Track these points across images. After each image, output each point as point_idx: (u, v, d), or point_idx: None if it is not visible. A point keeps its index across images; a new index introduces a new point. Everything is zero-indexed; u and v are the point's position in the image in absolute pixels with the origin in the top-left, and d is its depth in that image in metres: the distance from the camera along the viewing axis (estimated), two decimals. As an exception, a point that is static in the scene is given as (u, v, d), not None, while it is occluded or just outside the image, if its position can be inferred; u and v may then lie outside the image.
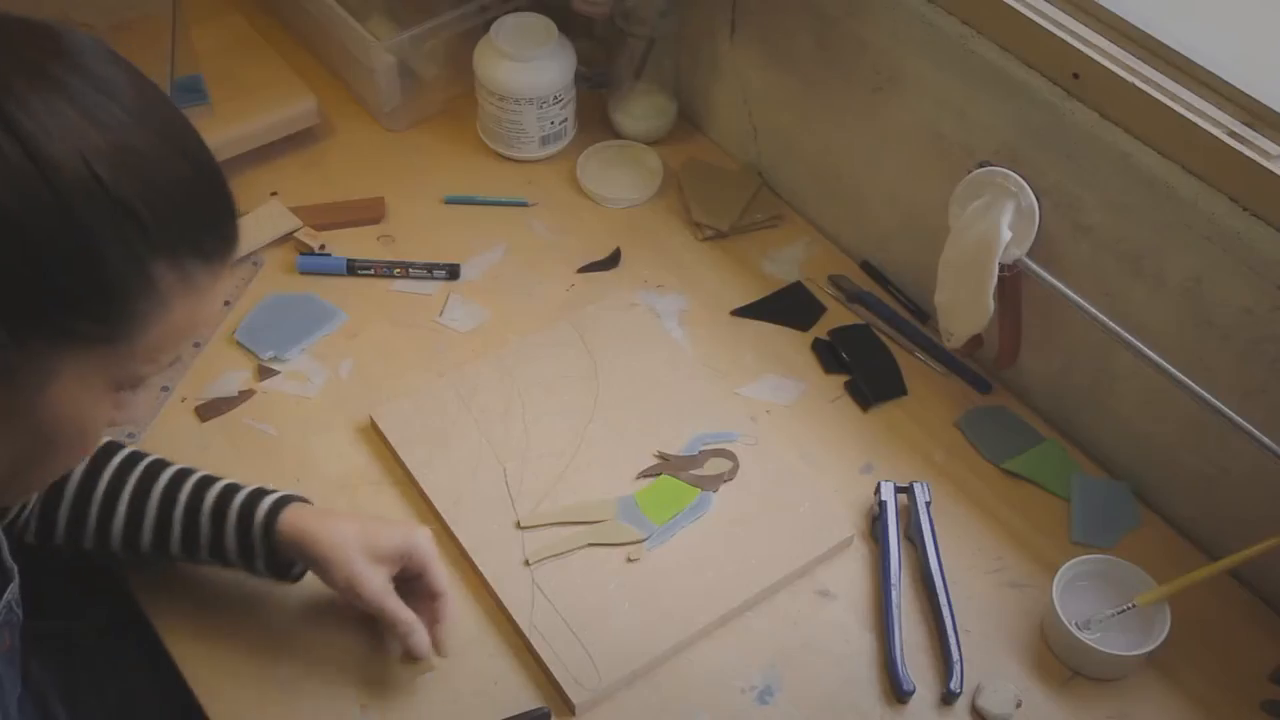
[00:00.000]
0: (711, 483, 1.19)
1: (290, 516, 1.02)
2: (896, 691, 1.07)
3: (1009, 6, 1.11)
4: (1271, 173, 0.98)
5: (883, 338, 1.34)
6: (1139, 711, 1.08)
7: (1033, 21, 1.10)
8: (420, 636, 1.03)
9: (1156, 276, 1.11)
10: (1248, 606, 1.15)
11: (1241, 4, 1.13)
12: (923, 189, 1.29)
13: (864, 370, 1.31)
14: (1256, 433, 1.06)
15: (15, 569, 0.86)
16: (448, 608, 1.05)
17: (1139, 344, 1.12)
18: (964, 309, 1.22)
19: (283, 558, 1.04)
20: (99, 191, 0.63)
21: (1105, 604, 1.10)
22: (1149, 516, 1.21)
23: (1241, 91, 1.02)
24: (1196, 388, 1.09)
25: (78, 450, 0.75)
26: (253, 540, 1.02)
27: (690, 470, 1.20)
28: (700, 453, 1.22)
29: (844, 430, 1.26)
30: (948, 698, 1.07)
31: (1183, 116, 1.02)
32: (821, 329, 1.35)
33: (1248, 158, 0.99)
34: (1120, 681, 1.09)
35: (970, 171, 1.19)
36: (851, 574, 1.16)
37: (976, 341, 1.27)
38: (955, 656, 1.08)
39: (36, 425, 0.70)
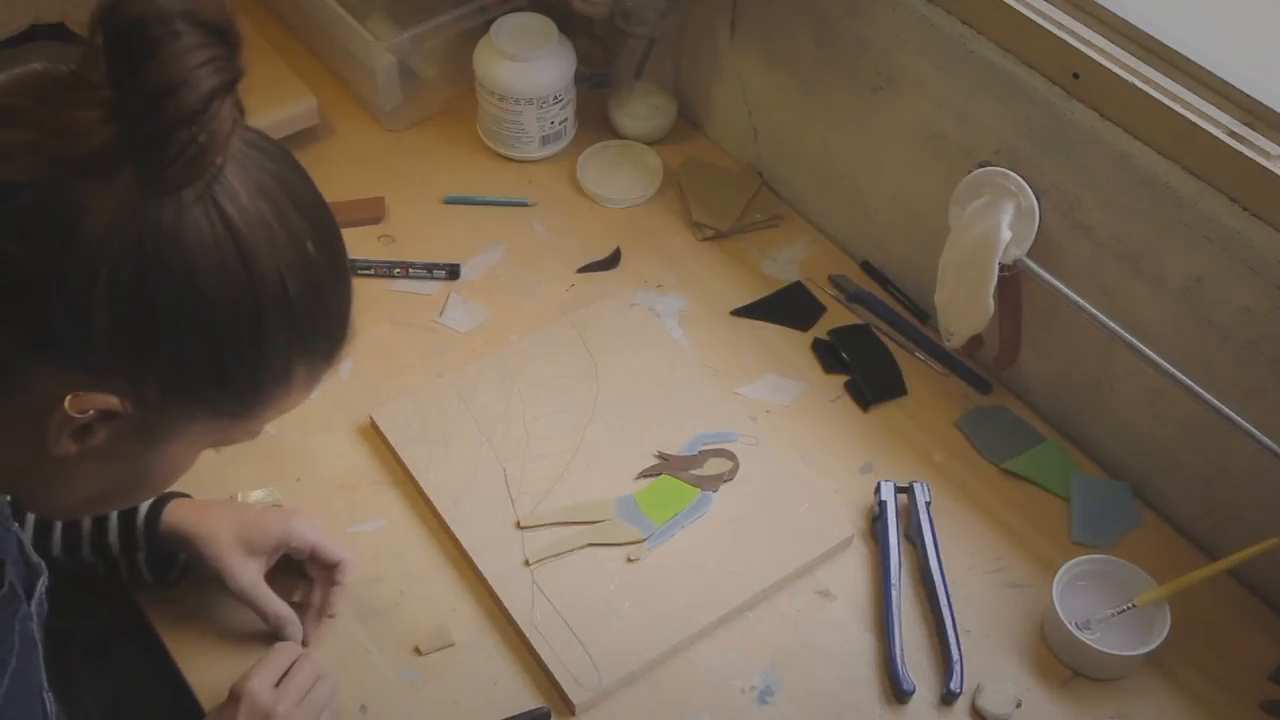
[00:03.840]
0: (711, 483, 1.19)
1: (171, 510, 1.05)
2: (896, 691, 1.07)
3: (1009, 6, 1.11)
4: (1271, 173, 0.98)
5: (883, 338, 1.34)
6: (1139, 711, 1.08)
7: (1033, 21, 1.10)
8: (291, 629, 1.06)
9: (1156, 276, 1.11)
10: (1248, 606, 1.15)
11: (1241, 4, 1.13)
12: (923, 189, 1.29)
13: (864, 370, 1.31)
14: (1256, 433, 1.06)
15: (43, 564, 0.88)
16: (343, 574, 1.08)
17: (1139, 344, 1.12)
18: (964, 309, 1.22)
19: (162, 550, 1.06)
20: (285, 305, 0.69)
21: (1105, 604, 1.10)
22: (1149, 516, 1.21)
23: (1241, 91, 1.02)
24: (1196, 388, 1.09)
25: (159, 490, 0.80)
26: (135, 532, 1.04)
27: (690, 470, 1.20)
28: (700, 453, 1.22)
29: (844, 430, 1.26)
30: (948, 698, 1.07)
31: (1183, 116, 1.02)
32: (821, 329, 1.35)
33: (1248, 158, 0.99)
34: (1120, 681, 1.09)
35: (970, 171, 1.19)
36: (851, 574, 1.16)
37: (976, 341, 1.27)
38: (955, 656, 1.08)
39: (141, 469, 0.75)
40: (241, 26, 0.64)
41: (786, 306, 1.37)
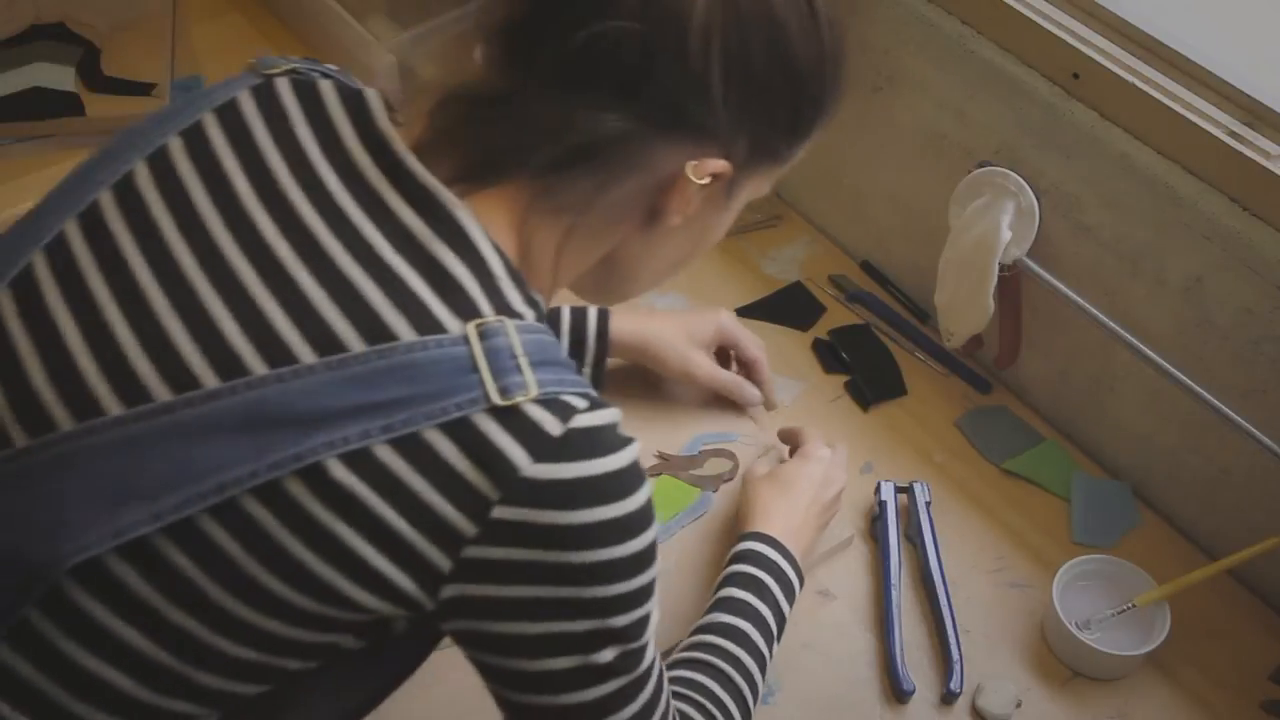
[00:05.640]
0: (711, 483, 1.19)
1: (617, 320, 1.19)
2: (896, 691, 1.07)
3: (1009, 6, 1.11)
4: (1271, 173, 0.98)
5: (883, 338, 1.34)
6: (1139, 711, 1.08)
7: (1033, 21, 1.10)
8: (749, 389, 1.23)
9: (1156, 276, 1.11)
10: (1248, 606, 1.15)
11: (1241, 4, 1.13)
12: (923, 189, 1.29)
13: (864, 370, 1.31)
14: (1257, 433, 1.06)
15: None
16: (763, 370, 1.24)
17: (1139, 344, 1.12)
18: (964, 309, 1.22)
19: (606, 357, 1.19)
20: (836, 46, 0.76)
21: (1105, 604, 1.10)
22: (1149, 516, 1.21)
23: (1241, 91, 1.02)
24: (1196, 388, 1.09)
25: (698, 258, 0.88)
26: (585, 347, 1.17)
27: (690, 470, 1.20)
28: (700, 453, 1.22)
29: (844, 430, 1.26)
30: (948, 698, 1.07)
31: (1183, 116, 1.02)
32: (821, 329, 1.35)
33: (1248, 158, 0.99)
34: (1120, 681, 1.09)
35: (970, 171, 1.19)
36: (851, 574, 1.16)
37: (976, 341, 1.27)
38: (955, 656, 1.08)
39: (706, 233, 0.84)
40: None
41: (786, 306, 1.37)
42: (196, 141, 0.75)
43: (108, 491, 0.65)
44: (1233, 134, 1.00)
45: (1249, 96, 1.02)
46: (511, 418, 0.67)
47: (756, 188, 0.83)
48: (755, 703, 0.96)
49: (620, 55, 0.70)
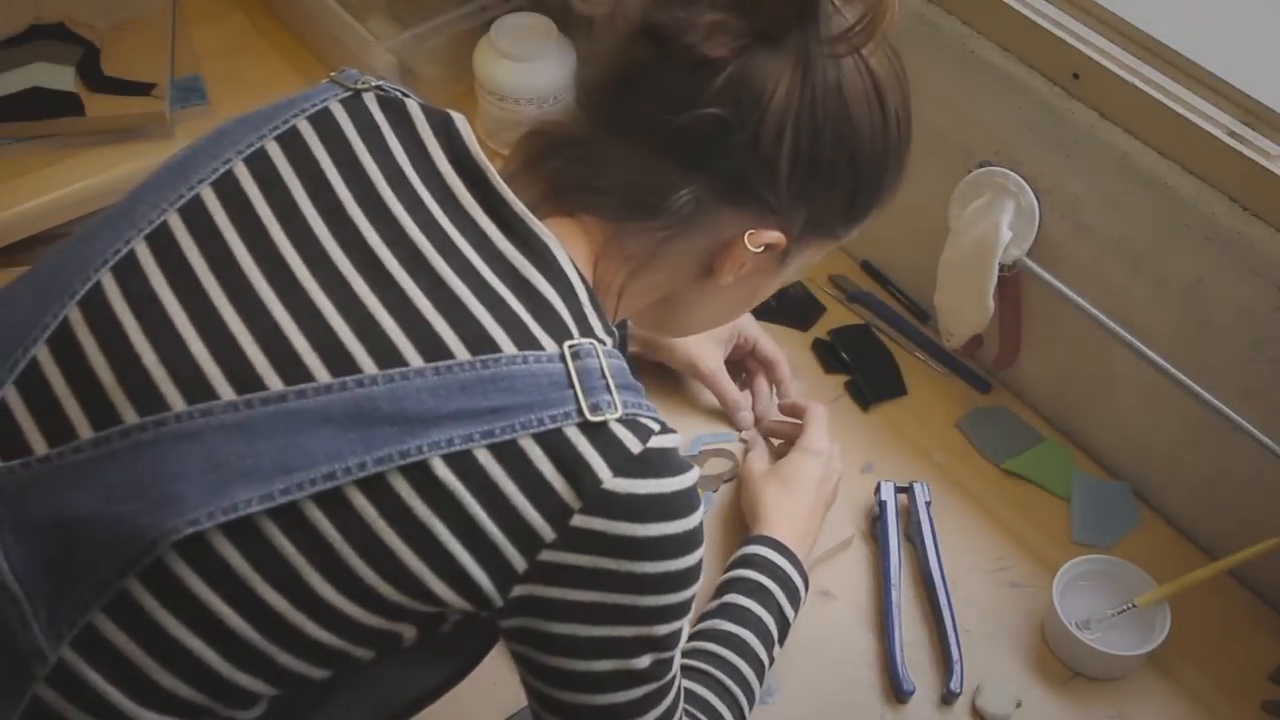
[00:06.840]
0: (711, 483, 1.19)
1: None
2: (896, 692, 1.07)
3: (1009, 6, 1.11)
4: (1271, 173, 0.98)
5: (883, 338, 1.34)
6: (1139, 711, 1.08)
7: (1033, 21, 1.10)
8: (745, 414, 1.22)
9: (1156, 276, 1.11)
10: (1248, 606, 1.15)
11: (1241, 4, 1.13)
12: (923, 189, 1.28)
13: (864, 370, 1.31)
14: (1256, 433, 1.06)
15: None
16: (782, 368, 1.24)
17: (1139, 344, 1.12)
18: (964, 309, 1.22)
19: (622, 345, 1.17)
20: (900, 144, 0.83)
21: (1105, 604, 1.10)
22: (1149, 516, 1.21)
23: (1241, 91, 1.02)
24: (1196, 388, 1.09)
25: (748, 310, 0.96)
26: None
27: (690, 470, 1.20)
28: (700, 453, 1.22)
29: (844, 430, 1.26)
30: (948, 698, 1.07)
31: (1183, 116, 1.02)
32: (821, 329, 1.35)
33: (1248, 158, 0.99)
34: (1120, 681, 1.09)
35: (970, 171, 1.19)
36: (851, 574, 1.16)
37: (976, 341, 1.27)
38: (955, 656, 1.08)
39: (755, 293, 0.90)
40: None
41: (786, 306, 1.37)
42: (294, 146, 0.78)
43: (220, 470, 0.68)
44: (1232, 134, 1.00)
45: (1249, 96, 1.02)
46: (598, 433, 0.72)
47: (809, 258, 0.88)
48: (751, 709, 0.97)
49: (698, 130, 0.77)
